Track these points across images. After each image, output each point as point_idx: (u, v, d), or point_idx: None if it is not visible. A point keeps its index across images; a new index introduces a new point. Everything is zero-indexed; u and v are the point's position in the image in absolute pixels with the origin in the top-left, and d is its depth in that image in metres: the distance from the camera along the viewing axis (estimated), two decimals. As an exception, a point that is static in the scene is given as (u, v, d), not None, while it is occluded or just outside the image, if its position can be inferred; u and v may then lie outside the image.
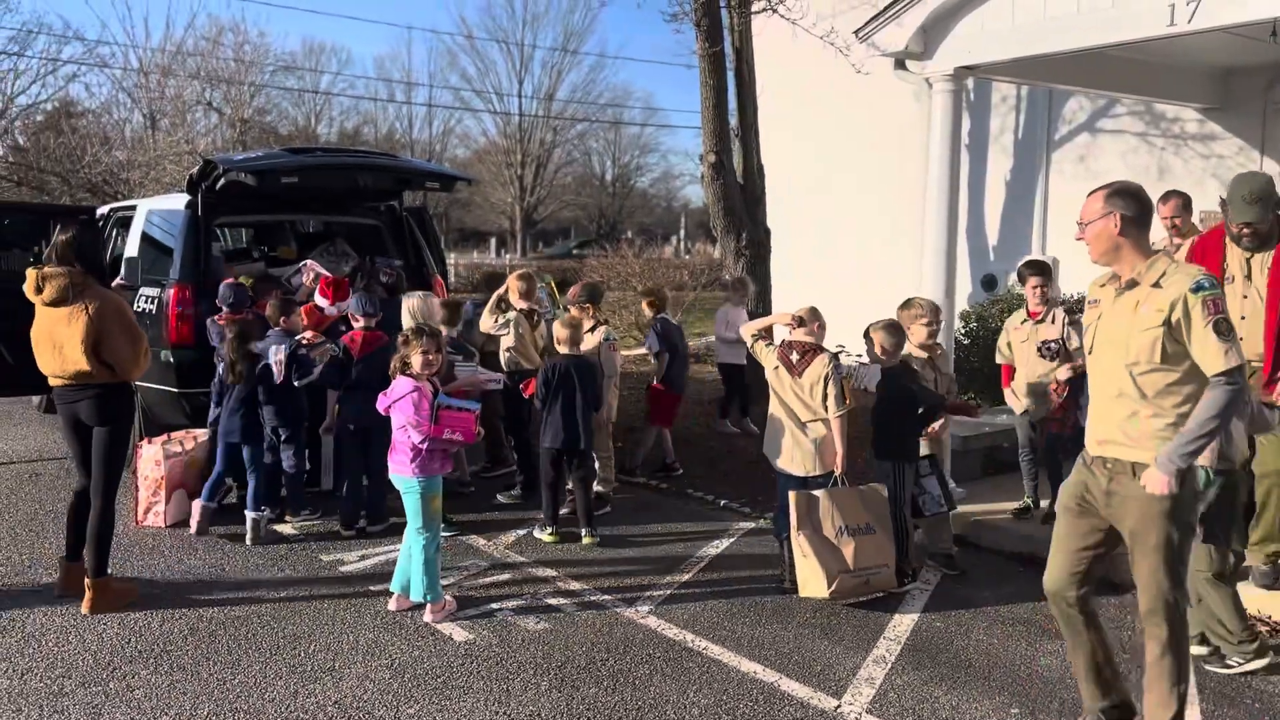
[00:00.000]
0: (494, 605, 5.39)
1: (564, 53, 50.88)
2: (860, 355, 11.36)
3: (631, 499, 7.51)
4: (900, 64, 7.20)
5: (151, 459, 6.73)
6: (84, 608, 5.19)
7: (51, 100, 27.09)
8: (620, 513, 7.13)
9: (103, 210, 9.63)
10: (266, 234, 9.56)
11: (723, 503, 7.45)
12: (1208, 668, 4.56)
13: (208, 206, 7.59)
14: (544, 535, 6.49)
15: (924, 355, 6.15)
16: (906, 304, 6.25)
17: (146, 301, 7.74)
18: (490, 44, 52.59)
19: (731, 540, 6.60)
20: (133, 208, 8.85)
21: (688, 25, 9.36)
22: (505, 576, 5.85)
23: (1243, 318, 4.78)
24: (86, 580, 5.24)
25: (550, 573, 5.92)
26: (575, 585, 5.70)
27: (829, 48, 8.72)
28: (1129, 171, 9.57)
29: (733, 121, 9.80)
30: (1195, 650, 4.58)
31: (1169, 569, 3.50)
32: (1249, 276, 4.88)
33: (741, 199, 9.75)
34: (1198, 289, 3.35)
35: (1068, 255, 10.08)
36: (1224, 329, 3.31)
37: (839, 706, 4.27)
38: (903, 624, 5.15)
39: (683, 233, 56.19)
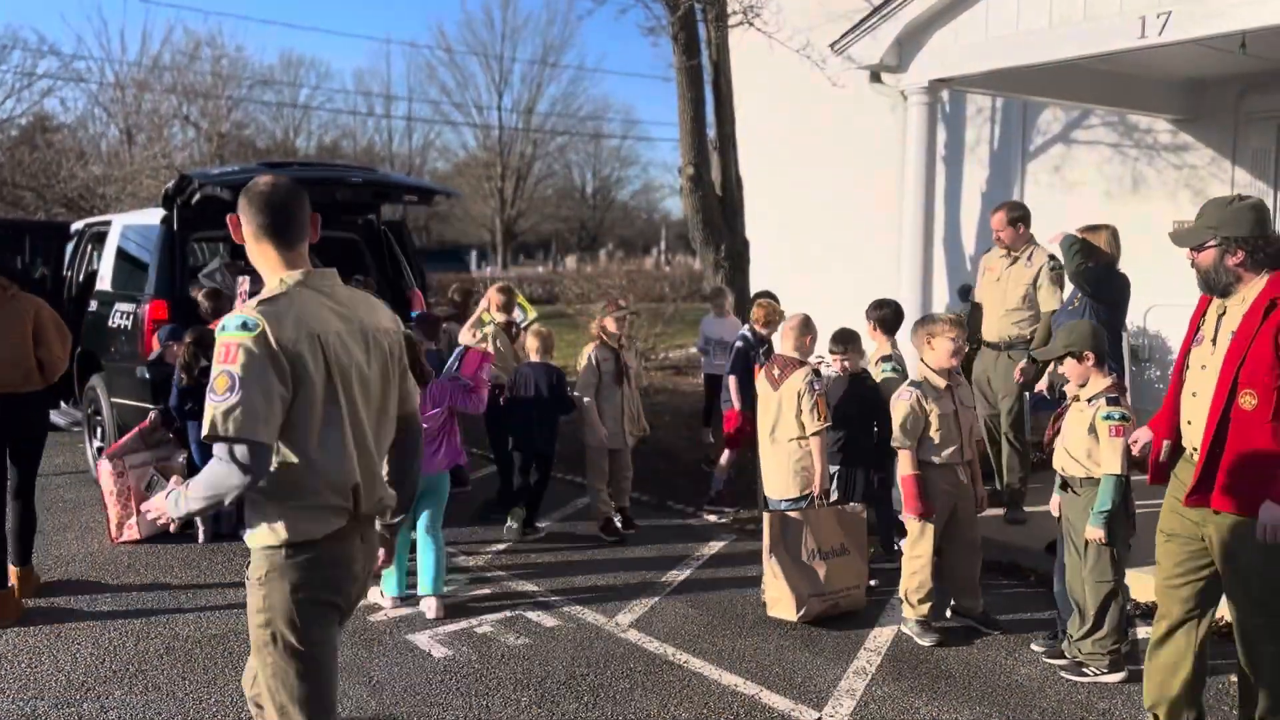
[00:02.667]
0: (474, 620, 5.36)
1: (543, 65, 50.96)
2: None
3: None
4: (876, 77, 7.25)
5: (109, 472, 6.69)
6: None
7: (27, 115, 26.95)
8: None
9: (77, 226, 9.57)
10: (242, 249, 9.51)
11: (704, 515, 7.45)
12: (1065, 675, 4.61)
13: (184, 221, 7.54)
14: (512, 520, 6.83)
15: (942, 383, 5.07)
16: (927, 319, 5.38)
17: (122, 317, 7.68)
18: (469, 57, 52.52)
19: (713, 553, 6.59)
20: (107, 223, 8.79)
21: (664, 39, 9.41)
22: (486, 591, 5.82)
23: (1194, 394, 3.62)
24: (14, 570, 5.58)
25: (531, 586, 5.89)
26: (556, 599, 5.68)
27: (805, 61, 8.77)
28: (1104, 182, 9.66)
29: (711, 134, 9.83)
30: (1058, 662, 4.71)
31: None
32: (1214, 339, 3.60)
33: (720, 210, 9.79)
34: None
35: (1044, 265, 10.18)
36: None
37: (820, 718, 4.26)
38: (883, 635, 5.15)
39: (663, 244, 56.26)
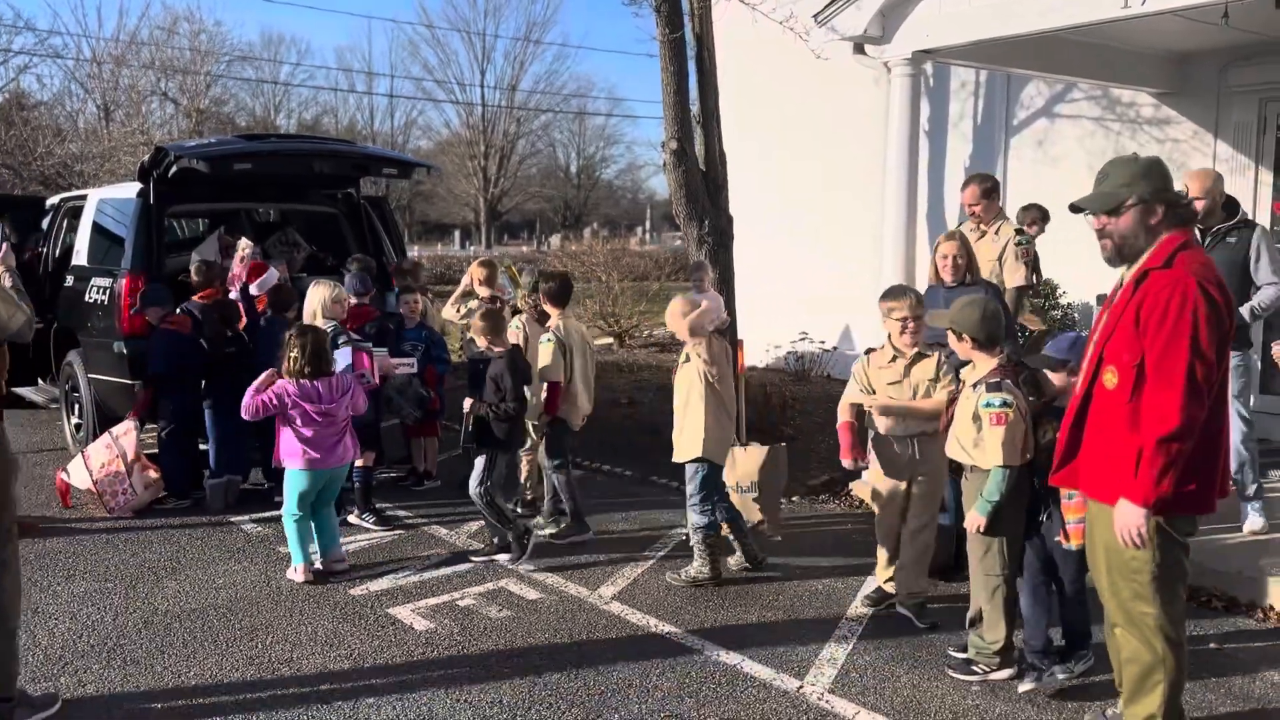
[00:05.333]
0: (455, 594, 5.34)
1: (526, 42, 50.57)
2: (823, 341, 11.41)
3: (594, 486, 7.47)
4: (859, 49, 7.21)
5: (102, 444, 6.66)
6: None
7: (3, 92, 26.55)
8: (583, 500, 7.07)
9: (53, 200, 9.45)
10: (220, 223, 9.41)
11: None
12: (954, 674, 4.34)
13: (160, 195, 7.46)
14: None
15: (889, 354, 4.97)
16: (885, 294, 5.13)
17: (98, 292, 7.59)
18: (452, 34, 51.97)
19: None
20: (83, 198, 8.68)
21: (647, 11, 9.29)
22: (466, 566, 5.79)
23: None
24: None
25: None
26: (538, 574, 5.66)
27: (788, 33, 8.69)
28: (1087, 155, 9.64)
29: (694, 109, 9.73)
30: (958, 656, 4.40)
31: None
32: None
33: (704, 186, 9.71)
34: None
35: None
36: None
37: (801, 687, 4.27)
38: (863, 607, 5.15)
39: (648, 224, 56.17)
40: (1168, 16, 6.07)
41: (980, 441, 4.13)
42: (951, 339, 4.33)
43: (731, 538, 5.67)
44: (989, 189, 6.39)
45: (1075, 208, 3.36)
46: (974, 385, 4.21)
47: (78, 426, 8.11)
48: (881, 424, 4.96)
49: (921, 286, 7.10)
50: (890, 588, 5.07)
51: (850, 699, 4.16)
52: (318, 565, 5.64)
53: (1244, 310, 5.23)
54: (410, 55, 63.99)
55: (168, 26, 27.79)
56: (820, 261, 11.29)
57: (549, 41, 56.04)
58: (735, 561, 5.69)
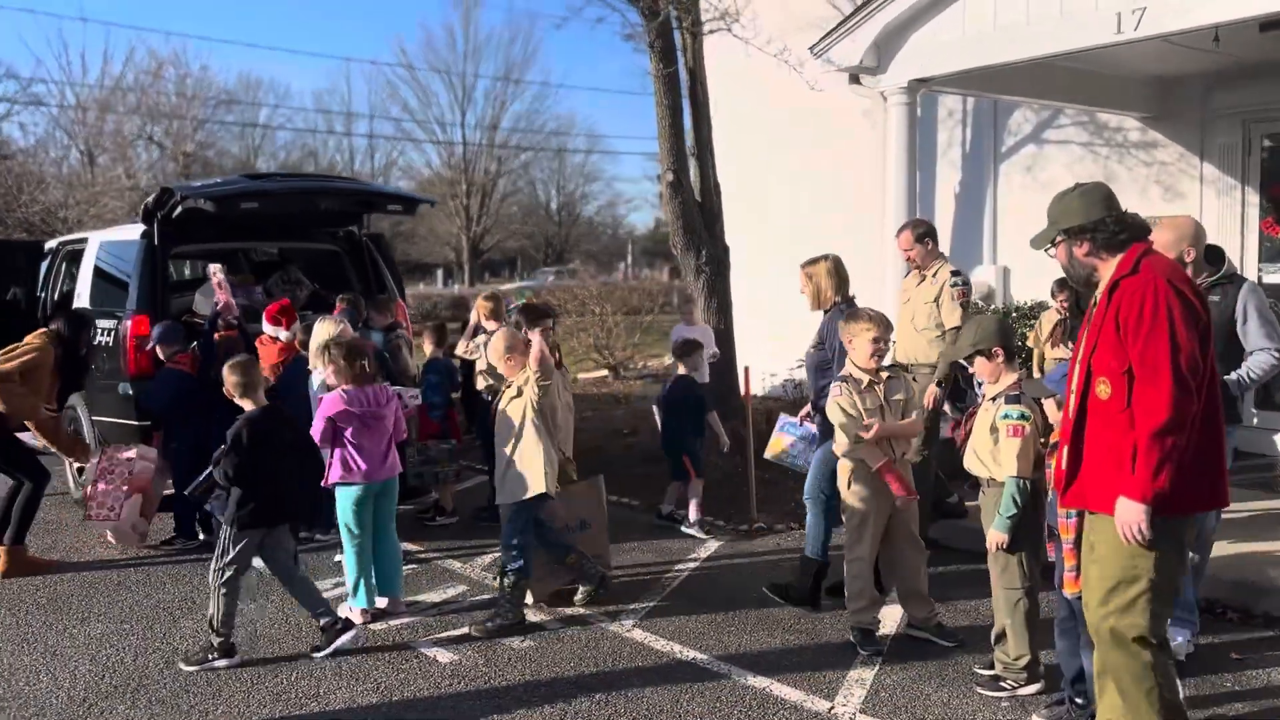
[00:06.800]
0: (474, 626, 5.32)
1: (506, 82, 50.94)
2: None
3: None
4: (855, 79, 7.34)
5: (123, 456, 6.73)
6: None
7: (-14, 141, 26.51)
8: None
9: (51, 244, 9.45)
10: (222, 262, 9.43)
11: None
12: (982, 691, 4.37)
13: (164, 236, 7.47)
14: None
15: (864, 379, 4.84)
16: (850, 316, 5.02)
17: (103, 335, 7.58)
18: (432, 75, 52.24)
19: (709, 553, 6.60)
20: (83, 241, 8.68)
21: (632, 44, 9.46)
22: (484, 598, 5.77)
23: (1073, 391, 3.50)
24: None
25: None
26: (556, 603, 5.66)
27: (780, 66, 8.85)
28: (1076, 180, 9.72)
29: (688, 141, 9.87)
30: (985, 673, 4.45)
31: None
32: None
33: (700, 216, 9.83)
34: None
35: (1018, 265, 10.32)
36: None
37: (832, 708, 4.28)
38: (885, 625, 5.16)
39: (629, 259, 56.29)
40: (1154, 42, 6.22)
41: (996, 453, 4.20)
42: (980, 364, 4.32)
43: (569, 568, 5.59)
44: (922, 234, 6.29)
45: (1033, 245, 3.55)
46: (993, 399, 4.28)
47: (80, 470, 8.05)
48: (872, 456, 4.78)
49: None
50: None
51: (883, 718, 4.17)
52: (379, 604, 5.48)
53: (1230, 379, 4.41)
54: (389, 96, 64.37)
55: (153, 71, 27.90)
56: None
57: (530, 80, 56.45)
58: (580, 597, 5.55)
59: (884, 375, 4.89)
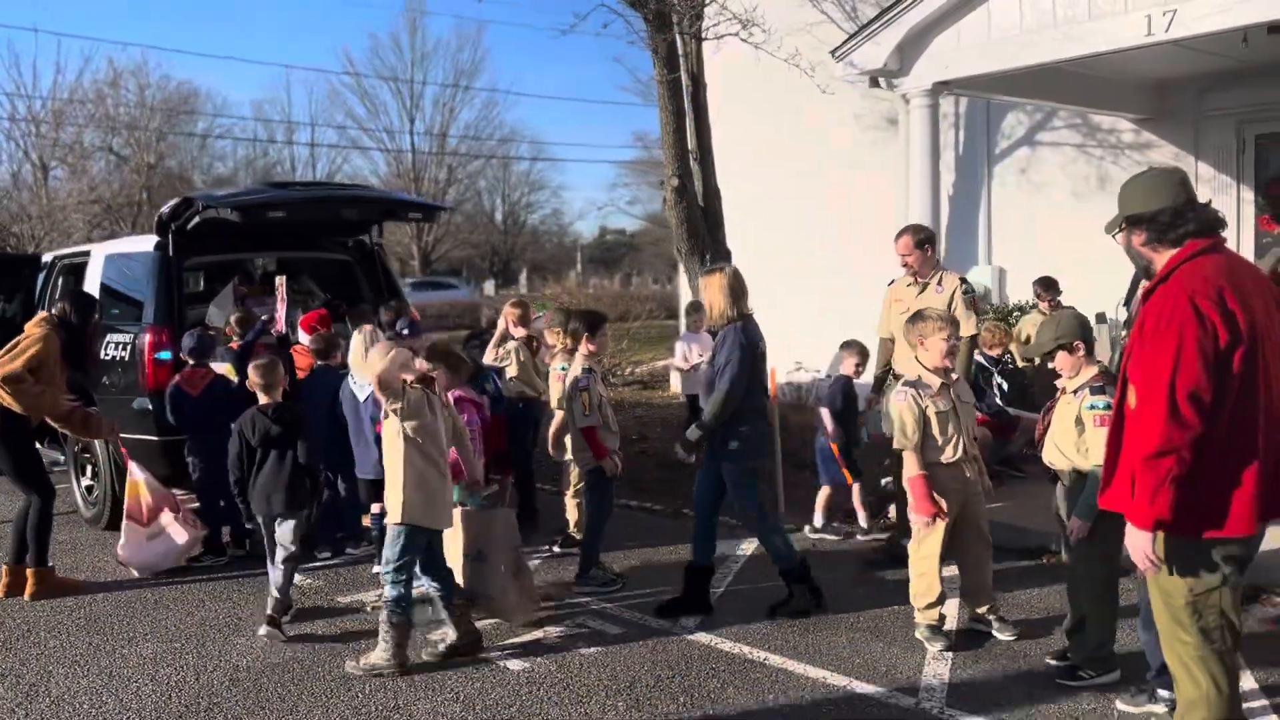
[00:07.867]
0: (537, 632, 5.29)
1: (456, 89, 50.44)
2: (817, 370, 11.57)
3: (631, 523, 7.46)
4: (875, 82, 7.43)
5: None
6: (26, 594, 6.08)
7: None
8: (622, 536, 7.03)
9: (48, 258, 9.22)
10: (227, 273, 9.27)
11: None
12: (1061, 681, 4.43)
13: (178, 247, 7.33)
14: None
15: (936, 381, 4.88)
16: (917, 317, 5.04)
17: (116, 349, 7.41)
18: (379, 83, 51.49)
19: (745, 556, 6.62)
20: (85, 254, 8.48)
21: (635, 52, 9.46)
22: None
23: None
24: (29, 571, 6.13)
25: (581, 596, 5.84)
26: (610, 607, 5.64)
27: (788, 71, 8.91)
28: (1070, 181, 10.03)
29: (690, 145, 9.90)
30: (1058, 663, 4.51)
31: None
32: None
33: (704, 221, 9.87)
34: None
35: (1013, 266, 10.51)
36: None
37: (918, 703, 4.32)
38: (947, 620, 5.19)
39: (579, 267, 55.97)
40: (1166, 45, 6.37)
41: (1083, 444, 4.30)
42: (1062, 358, 4.40)
43: (445, 612, 5.01)
44: (922, 240, 6.08)
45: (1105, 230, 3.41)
46: (1075, 391, 4.39)
47: (89, 488, 7.86)
48: (945, 454, 4.84)
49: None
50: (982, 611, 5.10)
51: (971, 712, 4.22)
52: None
53: None
54: (333, 104, 63.48)
55: (110, 80, 27.25)
56: (818, 293, 11.48)
57: (480, 88, 55.80)
58: (442, 649, 4.96)
59: (954, 376, 4.97)
